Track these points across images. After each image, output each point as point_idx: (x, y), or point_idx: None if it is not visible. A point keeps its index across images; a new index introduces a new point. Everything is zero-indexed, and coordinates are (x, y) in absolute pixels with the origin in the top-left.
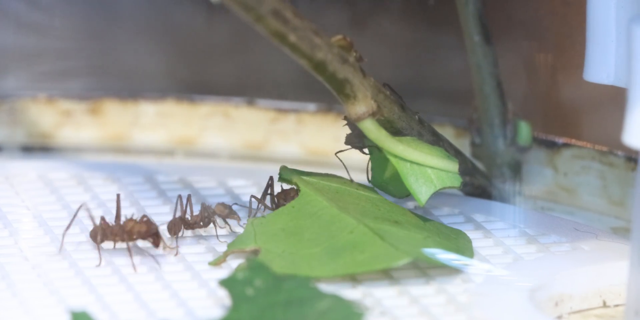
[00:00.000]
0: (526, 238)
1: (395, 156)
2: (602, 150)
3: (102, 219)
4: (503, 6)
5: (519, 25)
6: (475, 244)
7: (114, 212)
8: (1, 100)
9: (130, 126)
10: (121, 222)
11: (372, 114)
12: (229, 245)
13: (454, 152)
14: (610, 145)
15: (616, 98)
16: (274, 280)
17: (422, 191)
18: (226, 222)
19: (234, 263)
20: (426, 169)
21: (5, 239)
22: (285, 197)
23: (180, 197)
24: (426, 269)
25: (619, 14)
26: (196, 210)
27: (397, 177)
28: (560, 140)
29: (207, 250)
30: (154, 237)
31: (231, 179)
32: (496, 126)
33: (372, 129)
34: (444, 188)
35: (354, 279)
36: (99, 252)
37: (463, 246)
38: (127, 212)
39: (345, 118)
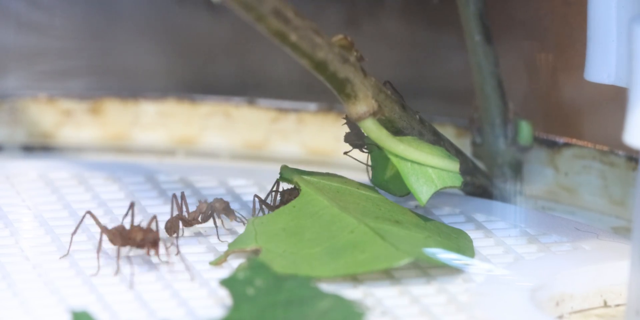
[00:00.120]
0: (527, 238)
1: (396, 156)
2: (603, 150)
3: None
4: (504, 6)
5: (520, 25)
6: (476, 243)
7: (114, 211)
8: (2, 99)
9: (131, 126)
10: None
11: (373, 114)
12: (230, 245)
13: (454, 152)
14: (611, 144)
15: (617, 98)
16: (274, 280)
17: (423, 191)
18: (221, 218)
19: (234, 263)
20: (427, 168)
21: (6, 239)
22: (291, 192)
23: (174, 195)
24: (427, 269)
25: (619, 14)
26: (195, 208)
27: (397, 176)
28: (561, 139)
29: (208, 249)
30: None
31: (232, 179)
32: (497, 126)
33: (373, 129)
34: (445, 188)
35: (354, 278)
36: (118, 259)
37: (464, 246)
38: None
39: (345, 117)
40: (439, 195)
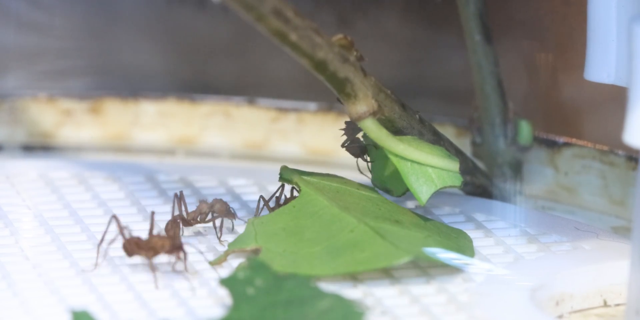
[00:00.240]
0: (527, 237)
1: (396, 155)
2: (602, 150)
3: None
4: (504, 5)
5: (520, 25)
6: (476, 243)
7: (115, 211)
8: (2, 99)
9: (131, 125)
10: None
11: (373, 113)
12: (230, 245)
13: (454, 152)
14: (611, 144)
15: (617, 97)
16: (274, 279)
17: (423, 190)
18: (222, 219)
19: (234, 262)
20: (427, 168)
21: (6, 238)
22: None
23: (176, 195)
24: (427, 269)
25: (619, 14)
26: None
27: (397, 175)
28: (561, 139)
29: (208, 249)
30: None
31: (232, 179)
32: (497, 125)
33: (372, 129)
34: (445, 187)
35: (354, 278)
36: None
37: (464, 245)
38: (127, 211)
39: (345, 126)
40: (439, 194)
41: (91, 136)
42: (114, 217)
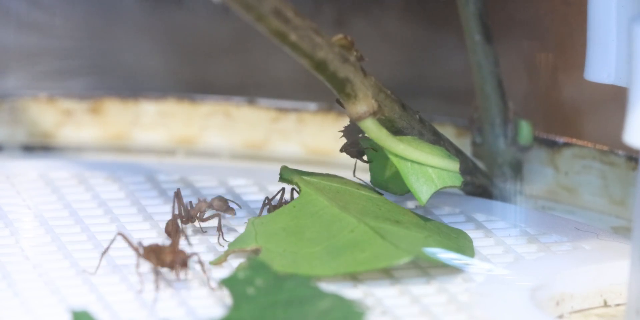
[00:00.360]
0: (527, 237)
1: (396, 155)
2: (602, 150)
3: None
4: (504, 5)
5: (520, 25)
6: (476, 243)
7: (114, 211)
8: (2, 99)
9: (131, 125)
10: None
11: (373, 113)
12: (230, 245)
13: (454, 152)
14: (611, 144)
15: (617, 97)
16: (274, 279)
17: (423, 190)
18: (220, 217)
19: (234, 262)
20: (427, 168)
21: (6, 238)
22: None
23: (176, 194)
24: (427, 269)
25: (619, 14)
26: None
27: (397, 176)
28: (561, 139)
29: (208, 249)
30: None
31: (232, 179)
32: (497, 125)
33: (373, 129)
34: (445, 187)
35: (354, 278)
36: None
37: (464, 245)
38: (127, 211)
39: (344, 128)
40: (439, 195)
41: (91, 136)
42: (120, 234)
